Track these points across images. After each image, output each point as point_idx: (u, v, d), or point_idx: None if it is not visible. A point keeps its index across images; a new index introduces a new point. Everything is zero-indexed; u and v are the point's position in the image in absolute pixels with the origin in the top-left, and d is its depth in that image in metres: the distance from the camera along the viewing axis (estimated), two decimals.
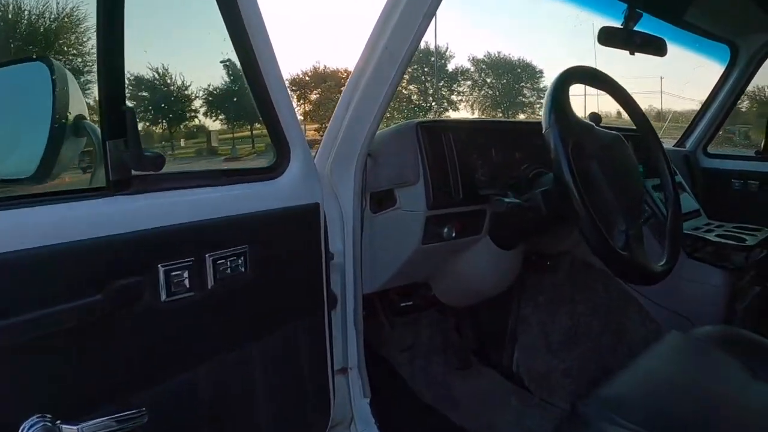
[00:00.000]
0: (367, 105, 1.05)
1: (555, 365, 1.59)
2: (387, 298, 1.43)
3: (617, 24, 1.58)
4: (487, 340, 1.70)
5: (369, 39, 1.02)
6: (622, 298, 1.62)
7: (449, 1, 0.95)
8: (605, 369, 1.57)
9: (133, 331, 0.71)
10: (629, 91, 1.20)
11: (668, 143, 2.43)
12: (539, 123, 1.03)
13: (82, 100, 0.94)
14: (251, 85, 0.87)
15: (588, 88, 1.17)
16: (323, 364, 1.03)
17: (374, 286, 1.22)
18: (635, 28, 1.61)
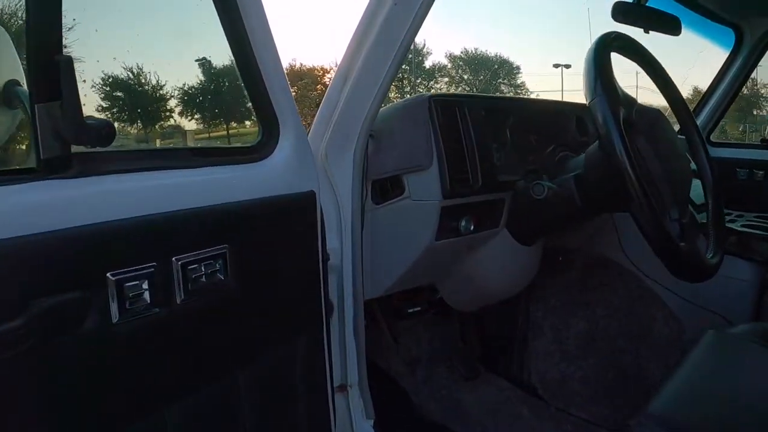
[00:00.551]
0: (369, 75, 0.88)
1: (571, 372, 1.45)
2: (389, 303, 1.26)
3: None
4: (494, 346, 1.55)
5: None
6: (642, 295, 1.48)
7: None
8: (627, 374, 1.43)
9: (70, 369, 0.52)
10: None
11: None
12: (560, 102, 0.88)
13: (17, 60, 0.74)
14: (230, 39, 0.68)
15: None
16: (322, 384, 0.85)
17: (376, 291, 1.05)
18: (649, 5, 1.51)
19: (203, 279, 0.62)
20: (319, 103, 0.96)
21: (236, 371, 0.69)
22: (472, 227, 1.01)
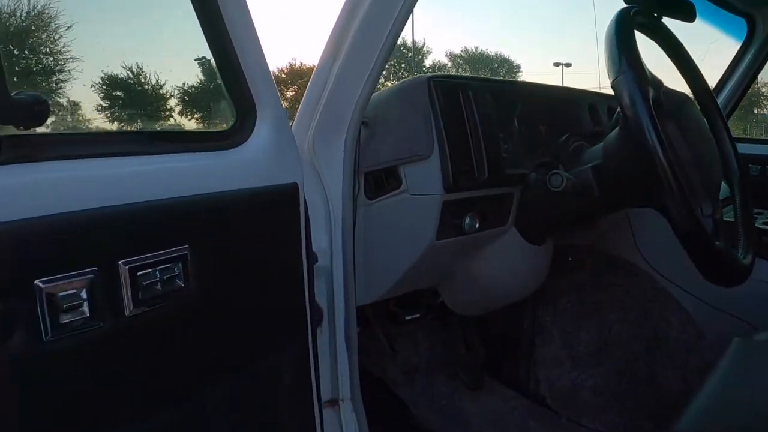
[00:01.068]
0: (361, 53, 0.78)
1: (582, 380, 1.35)
2: (385, 308, 1.15)
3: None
4: (498, 353, 1.45)
5: None
6: (657, 298, 1.39)
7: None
8: (641, 382, 1.33)
9: None
10: None
11: None
12: (571, 89, 0.79)
13: None
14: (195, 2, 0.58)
15: None
16: (308, 402, 0.75)
17: (370, 297, 0.94)
18: None
19: (158, 286, 0.52)
20: None
21: (203, 392, 0.59)
22: (477, 225, 0.91)
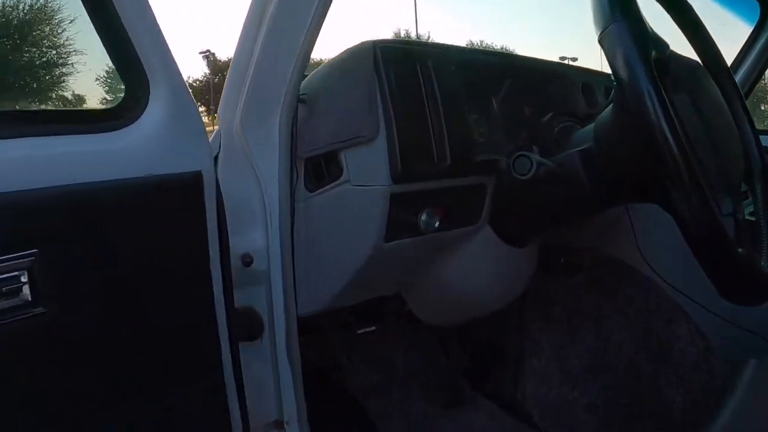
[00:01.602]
0: (291, 18, 0.65)
1: (575, 398, 1.22)
2: (338, 317, 1.02)
3: None
4: (481, 362, 1.32)
5: None
6: (662, 307, 1.24)
7: None
8: (642, 401, 1.20)
9: None
10: None
11: None
12: (562, 64, 0.64)
13: None
14: None
15: None
16: None
17: (315, 306, 0.81)
18: None
19: None
20: None
21: None
22: (437, 223, 0.76)
